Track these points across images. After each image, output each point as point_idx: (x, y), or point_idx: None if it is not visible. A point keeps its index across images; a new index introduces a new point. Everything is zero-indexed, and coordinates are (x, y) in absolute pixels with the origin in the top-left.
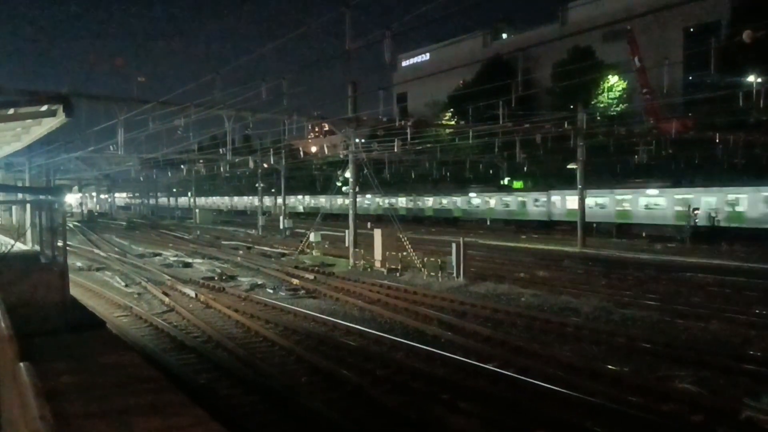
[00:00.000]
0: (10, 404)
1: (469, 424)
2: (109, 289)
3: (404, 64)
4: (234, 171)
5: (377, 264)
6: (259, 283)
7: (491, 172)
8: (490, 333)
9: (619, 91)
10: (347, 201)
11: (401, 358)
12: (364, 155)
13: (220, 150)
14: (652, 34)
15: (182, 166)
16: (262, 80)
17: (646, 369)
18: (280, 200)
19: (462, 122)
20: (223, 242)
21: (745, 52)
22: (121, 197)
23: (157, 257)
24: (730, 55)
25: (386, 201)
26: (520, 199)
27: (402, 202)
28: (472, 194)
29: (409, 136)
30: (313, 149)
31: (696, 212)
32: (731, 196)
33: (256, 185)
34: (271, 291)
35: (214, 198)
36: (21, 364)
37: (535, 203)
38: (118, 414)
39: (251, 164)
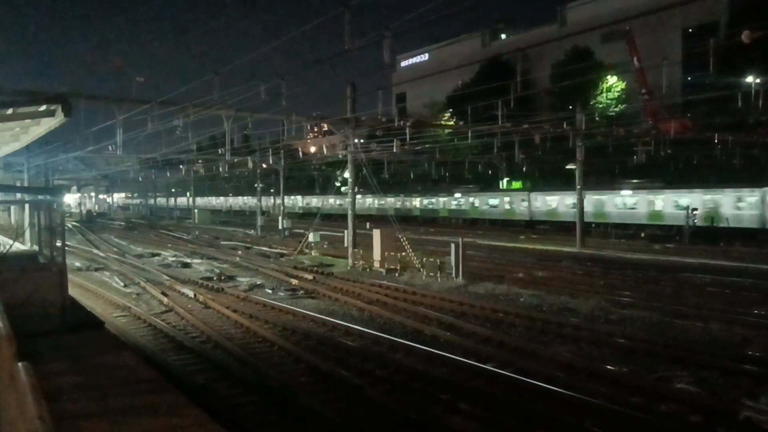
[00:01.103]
0: (9, 404)
1: (469, 425)
2: (107, 289)
3: (403, 64)
4: (233, 171)
5: (376, 264)
6: (258, 283)
7: (490, 172)
8: (489, 333)
9: (617, 91)
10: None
11: (400, 359)
12: (363, 155)
13: (219, 150)
14: (650, 34)
15: (181, 167)
16: (261, 80)
17: (644, 369)
18: (279, 200)
19: (461, 122)
20: (222, 242)
21: (744, 53)
22: (120, 197)
23: (156, 257)
24: (729, 56)
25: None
26: (712, 196)
27: (494, 202)
28: (625, 191)
29: (408, 137)
30: (312, 149)
31: (695, 213)
32: None
33: (255, 185)
34: (270, 291)
35: (212, 198)
36: (20, 364)
37: (737, 205)
38: (116, 414)
39: (250, 164)
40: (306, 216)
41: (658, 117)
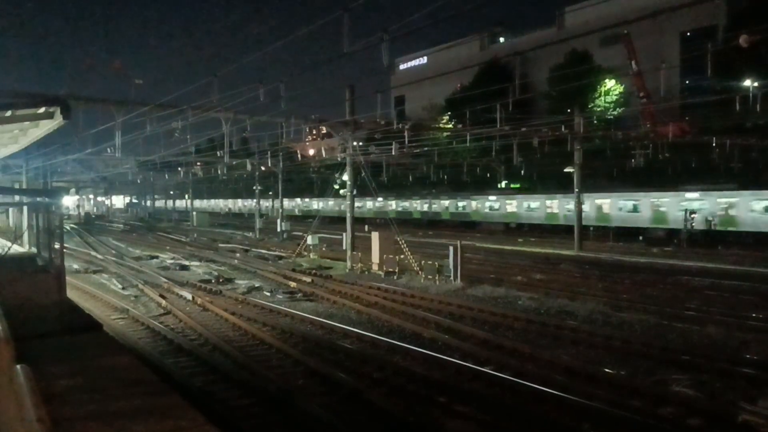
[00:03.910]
0: (7, 407)
1: (466, 427)
2: (105, 292)
3: (402, 67)
4: (231, 174)
5: (375, 267)
6: (257, 285)
7: (488, 175)
8: (487, 336)
9: (616, 95)
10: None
11: (398, 361)
12: (362, 158)
13: (218, 152)
14: (649, 38)
15: (179, 169)
16: (260, 83)
17: (643, 372)
18: (277, 203)
19: (459, 125)
20: (220, 245)
21: (742, 57)
22: (118, 199)
23: (154, 260)
24: (727, 60)
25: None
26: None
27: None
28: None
29: (406, 140)
30: (311, 152)
31: (693, 216)
32: None
33: (254, 188)
34: (268, 294)
35: (211, 201)
36: (18, 366)
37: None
38: (114, 417)
39: (249, 167)
40: (304, 218)
41: (656, 120)
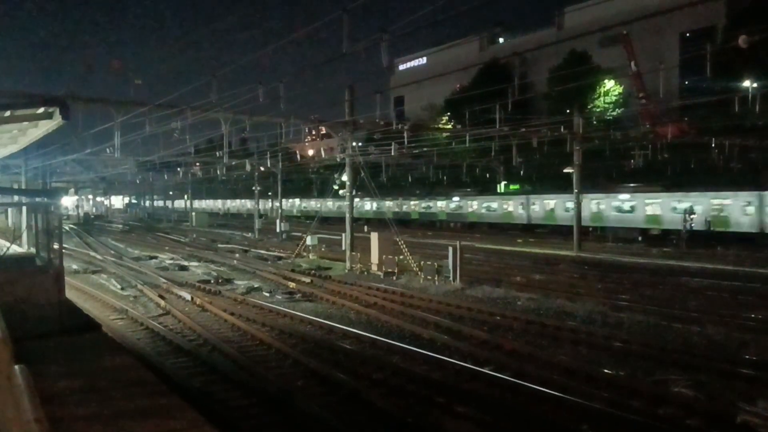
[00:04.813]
0: (5, 407)
1: (465, 428)
2: (104, 292)
3: (401, 67)
4: (230, 174)
5: (374, 267)
6: (256, 286)
7: (488, 175)
8: (486, 336)
9: (615, 95)
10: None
11: (397, 362)
12: (361, 159)
13: (217, 153)
14: (648, 38)
15: (179, 169)
16: (259, 83)
17: (642, 373)
18: (276, 203)
19: (459, 126)
20: (220, 245)
21: (741, 57)
22: (117, 200)
23: (153, 260)
24: (726, 60)
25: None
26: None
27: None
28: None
29: (406, 140)
30: (310, 152)
31: (692, 216)
32: None
33: (253, 188)
34: (267, 294)
35: (210, 201)
36: (16, 366)
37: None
38: (113, 417)
39: (248, 167)
40: (304, 219)
41: (656, 121)
